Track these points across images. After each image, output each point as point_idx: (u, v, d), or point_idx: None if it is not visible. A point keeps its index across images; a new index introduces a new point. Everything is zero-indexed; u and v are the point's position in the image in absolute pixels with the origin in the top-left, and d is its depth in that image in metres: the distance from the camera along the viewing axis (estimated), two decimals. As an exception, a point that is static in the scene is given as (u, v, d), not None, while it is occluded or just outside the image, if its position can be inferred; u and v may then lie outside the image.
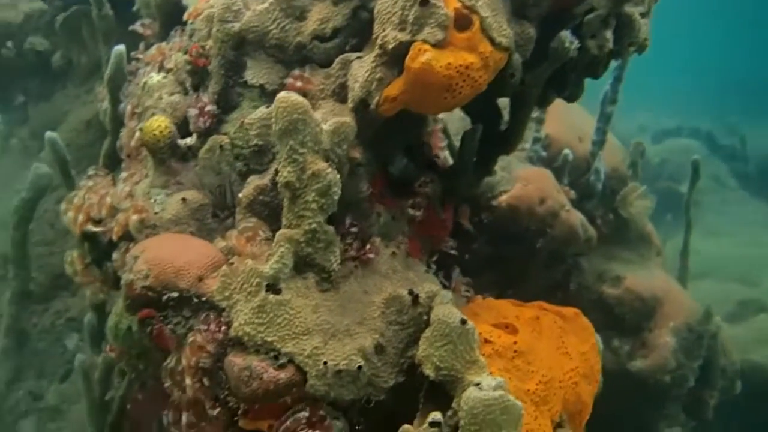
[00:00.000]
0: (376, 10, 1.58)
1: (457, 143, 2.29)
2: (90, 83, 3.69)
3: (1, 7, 4.25)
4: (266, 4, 1.72)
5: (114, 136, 2.19)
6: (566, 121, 3.07)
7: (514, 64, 1.59)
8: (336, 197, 1.52)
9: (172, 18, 2.14)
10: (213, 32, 1.74)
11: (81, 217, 1.91)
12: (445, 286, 1.77)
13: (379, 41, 1.55)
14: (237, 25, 1.72)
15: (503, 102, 1.92)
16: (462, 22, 1.50)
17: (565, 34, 1.60)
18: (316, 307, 1.52)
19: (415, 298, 1.58)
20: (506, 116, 1.95)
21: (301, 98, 1.46)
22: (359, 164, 1.70)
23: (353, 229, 1.66)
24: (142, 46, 2.24)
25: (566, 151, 2.85)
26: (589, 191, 2.99)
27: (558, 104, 3.09)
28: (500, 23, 1.52)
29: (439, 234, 1.87)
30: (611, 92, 2.89)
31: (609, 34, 1.65)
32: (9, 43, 4.19)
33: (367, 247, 1.66)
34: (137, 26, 2.26)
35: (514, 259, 2.71)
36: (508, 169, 2.72)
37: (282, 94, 1.46)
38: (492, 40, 1.51)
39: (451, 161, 2.12)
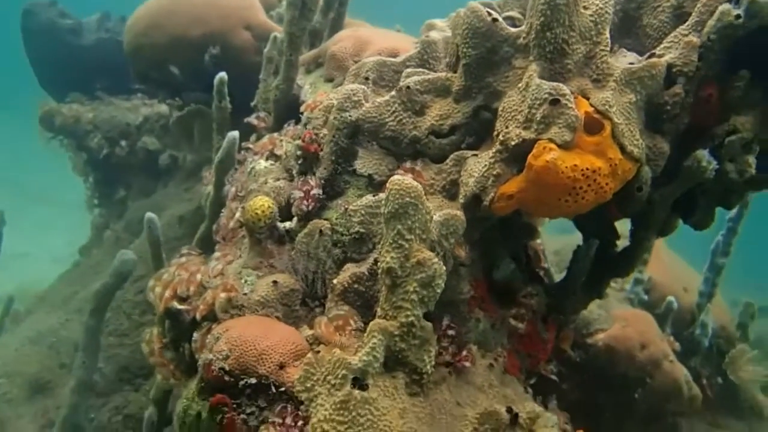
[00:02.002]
0: (500, 108, 1.54)
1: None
2: (190, 182, 3.84)
3: (125, 110, 4.63)
4: (387, 97, 1.72)
5: (212, 219, 2.19)
6: (671, 267, 2.89)
7: (643, 176, 1.49)
8: (439, 291, 1.40)
9: (287, 112, 2.21)
10: (330, 119, 1.75)
11: (168, 293, 1.84)
12: (544, 415, 1.56)
13: (500, 137, 1.51)
14: (355, 114, 1.72)
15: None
16: (592, 126, 1.44)
17: (702, 153, 1.50)
18: (404, 411, 1.35)
19: (514, 418, 1.38)
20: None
21: (415, 182, 1.39)
22: (462, 264, 1.59)
23: (450, 332, 1.52)
24: (253, 137, 2.30)
25: (671, 298, 2.63)
26: (694, 347, 2.72)
27: (662, 248, 2.95)
28: (633, 132, 1.44)
29: (539, 354, 1.69)
30: (724, 243, 2.71)
31: (752, 160, 1.53)
32: (123, 143, 4.50)
33: (463, 354, 1.51)
34: (252, 118, 2.34)
35: (606, 409, 2.43)
36: (605, 307, 2.53)
37: (396, 177, 1.40)
38: (623, 148, 1.43)
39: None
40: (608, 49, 1.47)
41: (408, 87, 1.70)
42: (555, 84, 1.42)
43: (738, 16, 1.39)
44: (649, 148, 1.49)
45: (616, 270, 1.76)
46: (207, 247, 2.21)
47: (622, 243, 1.77)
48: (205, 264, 1.90)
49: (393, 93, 1.73)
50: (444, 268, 1.40)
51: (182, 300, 1.81)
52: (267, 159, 2.07)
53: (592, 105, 1.44)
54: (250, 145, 2.24)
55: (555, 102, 1.42)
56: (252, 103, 2.50)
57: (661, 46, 1.49)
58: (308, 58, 2.37)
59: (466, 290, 1.59)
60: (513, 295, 1.67)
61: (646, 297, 2.70)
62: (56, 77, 5.21)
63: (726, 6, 1.40)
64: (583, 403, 2.36)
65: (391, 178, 1.40)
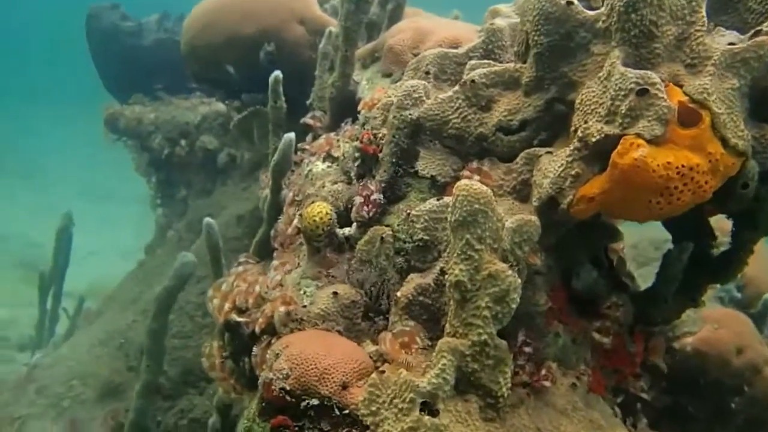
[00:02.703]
0: (578, 101, 1.39)
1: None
2: (248, 181, 3.82)
3: (184, 109, 4.66)
4: (450, 93, 1.59)
5: (269, 224, 2.11)
6: (766, 259, 2.63)
7: (749, 171, 1.30)
8: (514, 306, 1.26)
9: (343, 110, 2.11)
10: (389, 119, 1.63)
11: (227, 306, 1.78)
12: (634, 438, 1.41)
13: (579, 133, 1.35)
14: (416, 112, 1.60)
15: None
16: (688, 117, 1.26)
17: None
18: (479, 439, 1.23)
19: (606, 449, 1.24)
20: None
21: (484, 187, 1.26)
22: (537, 272, 1.45)
23: (527, 349, 1.38)
24: (309, 137, 2.21)
25: None
26: (795, 349, 2.47)
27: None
28: (736, 122, 1.26)
29: (627, 369, 1.54)
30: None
31: None
32: (183, 142, 4.53)
33: (542, 372, 1.37)
34: (307, 118, 2.26)
35: (698, 419, 2.23)
36: (693, 307, 2.31)
37: (463, 181, 1.27)
38: (725, 141, 1.25)
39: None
40: (704, 28, 1.29)
41: (473, 81, 1.56)
42: (642, 72, 1.25)
43: None
44: (756, 139, 1.30)
45: (715, 276, 1.58)
46: (265, 252, 2.14)
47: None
48: (263, 273, 1.83)
49: (456, 88, 1.59)
50: (519, 280, 1.27)
51: (241, 312, 1.75)
52: (324, 161, 1.98)
53: (686, 93, 1.27)
54: (307, 146, 2.15)
55: (643, 92, 1.25)
56: (308, 102, 2.41)
57: (769, 21, 1.30)
58: (364, 53, 2.25)
59: (542, 301, 1.45)
60: (595, 305, 1.52)
61: (739, 295, 2.47)
62: (119, 78, 5.31)
63: None
64: (671, 413, 2.18)
65: (458, 183, 1.27)
